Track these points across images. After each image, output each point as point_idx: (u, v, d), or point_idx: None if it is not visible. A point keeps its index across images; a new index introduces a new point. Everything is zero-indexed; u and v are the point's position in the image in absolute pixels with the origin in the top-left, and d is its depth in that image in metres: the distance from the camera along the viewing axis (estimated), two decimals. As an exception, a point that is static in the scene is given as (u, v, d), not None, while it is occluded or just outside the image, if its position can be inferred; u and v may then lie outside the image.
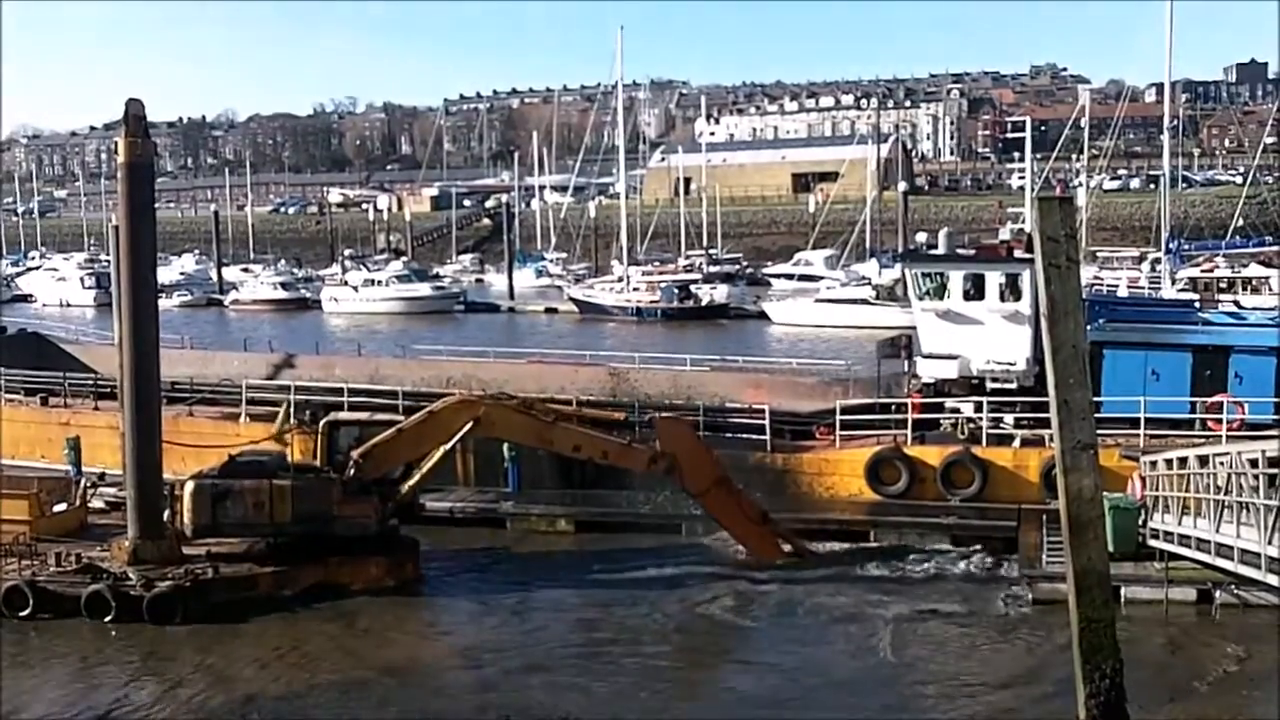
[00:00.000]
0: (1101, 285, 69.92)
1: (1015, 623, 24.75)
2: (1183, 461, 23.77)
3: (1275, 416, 29.49)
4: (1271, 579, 18.93)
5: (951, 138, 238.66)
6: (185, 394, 40.64)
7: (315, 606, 26.24)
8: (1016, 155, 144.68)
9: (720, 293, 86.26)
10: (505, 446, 32.76)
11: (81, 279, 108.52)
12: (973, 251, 37.74)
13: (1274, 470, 19.22)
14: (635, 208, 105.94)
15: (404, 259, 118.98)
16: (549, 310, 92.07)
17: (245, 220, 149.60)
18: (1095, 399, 23.41)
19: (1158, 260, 72.67)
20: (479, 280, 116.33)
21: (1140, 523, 26.01)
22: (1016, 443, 31.22)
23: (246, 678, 22.88)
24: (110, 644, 24.47)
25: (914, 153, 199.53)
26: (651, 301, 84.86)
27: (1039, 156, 78.15)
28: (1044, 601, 24.91)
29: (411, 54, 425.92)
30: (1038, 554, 26.57)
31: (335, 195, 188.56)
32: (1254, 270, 69.83)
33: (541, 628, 25.32)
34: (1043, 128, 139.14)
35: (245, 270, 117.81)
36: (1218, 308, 46.13)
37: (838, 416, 32.91)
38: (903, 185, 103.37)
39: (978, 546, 29.20)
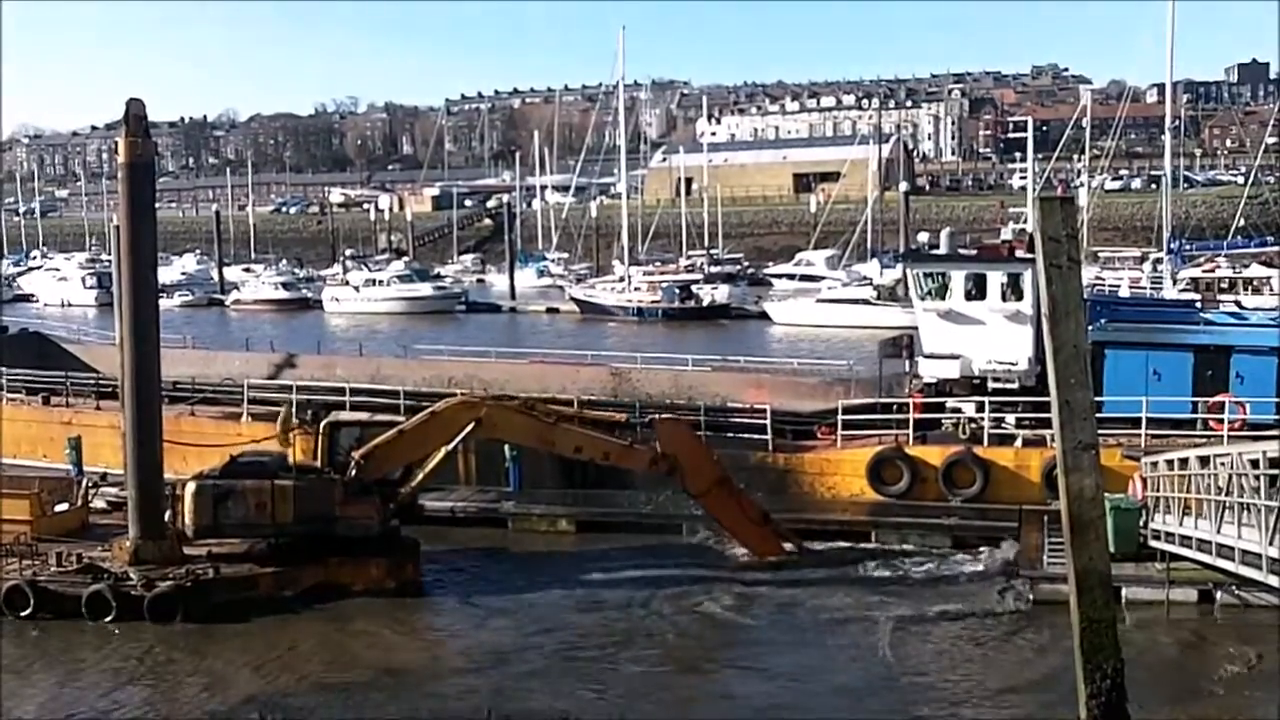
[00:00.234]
0: (1103, 285, 69.89)
1: (1016, 623, 24.75)
2: (1184, 462, 23.76)
3: (1277, 417, 29.47)
4: (1272, 580, 18.90)
5: (953, 138, 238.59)
6: (187, 393, 40.66)
7: (316, 607, 26.25)
8: (1018, 155, 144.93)
9: (721, 293, 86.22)
10: (506, 446, 32.74)
11: (83, 279, 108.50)
12: (974, 251, 37.71)
13: (1275, 471, 19.19)
14: (636, 208, 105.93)
15: (405, 259, 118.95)
16: (550, 310, 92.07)
17: (246, 220, 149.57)
18: (1097, 399, 23.40)
19: (1159, 260, 72.68)
20: (480, 280, 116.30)
21: (1141, 523, 25.99)
22: (1018, 443, 31.21)
23: (247, 678, 22.90)
24: (111, 644, 24.47)
25: (915, 153, 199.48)
26: (653, 302, 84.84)
27: (1040, 157, 78.30)
28: (1045, 602, 24.89)
29: (413, 54, 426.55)
30: (1039, 554, 26.56)
31: (336, 195, 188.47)
32: (1255, 270, 69.80)
33: (542, 628, 25.31)
34: (1044, 128, 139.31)
35: (246, 270, 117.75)
36: (1219, 308, 46.10)
37: (839, 416, 32.91)
38: (904, 185, 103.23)
39: (981, 548, 29.20)
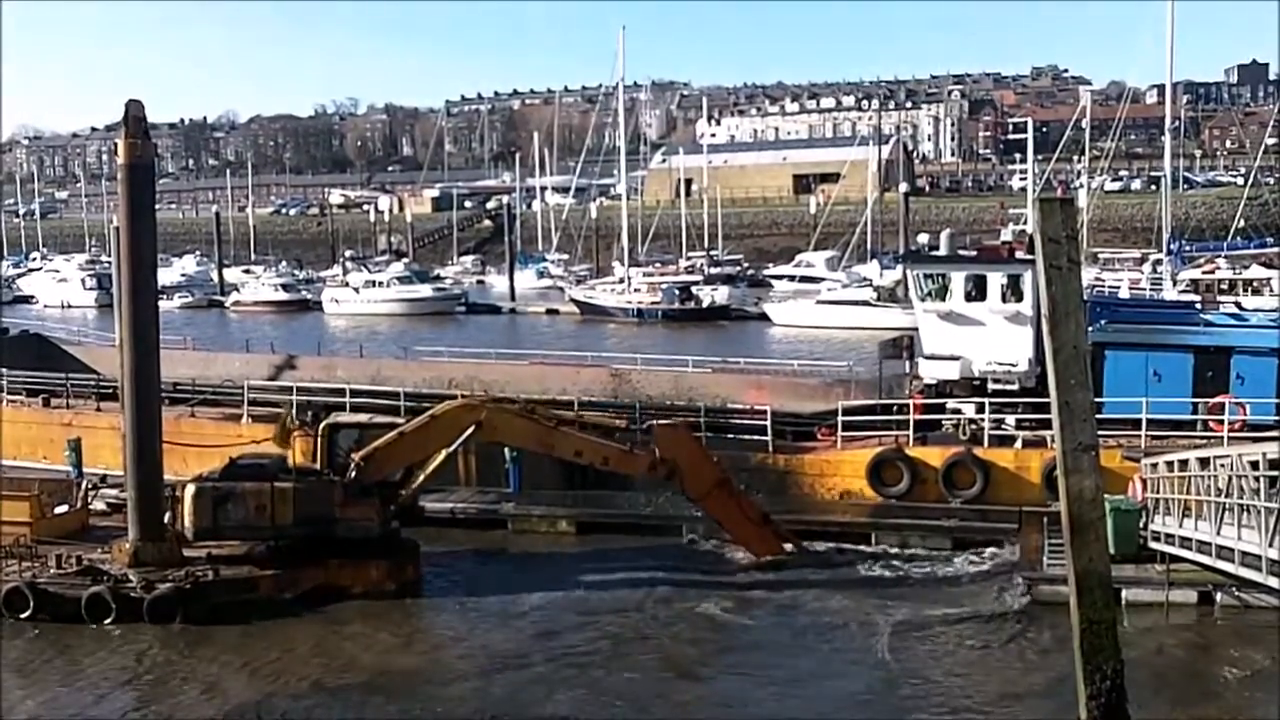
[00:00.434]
0: (1103, 287, 69.88)
1: (1016, 624, 24.72)
2: (1184, 463, 23.73)
3: (1277, 418, 29.47)
4: (1272, 581, 18.89)
5: (953, 139, 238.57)
6: (187, 395, 40.67)
7: (316, 609, 26.22)
8: (1018, 156, 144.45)
9: (721, 294, 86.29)
10: (506, 448, 32.73)
11: (83, 280, 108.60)
12: (974, 253, 37.72)
13: (1275, 473, 19.18)
14: (636, 209, 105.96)
15: (405, 260, 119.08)
16: (550, 311, 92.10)
17: (246, 221, 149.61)
18: (1097, 400, 23.40)
19: (1159, 261, 72.64)
20: (480, 281, 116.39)
21: (1141, 525, 25.97)
22: (1018, 444, 31.21)
23: (246, 680, 22.88)
24: (110, 646, 24.44)
25: (915, 154, 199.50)
26: (653, 303, 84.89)
27: (1040, 158, 78.14)
28: (1045, 603, 24.89)
29: (413, 55, 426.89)
30: (1039, 555, 26.56)
31: (336, 196, 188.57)
32: (1255, 272, 69.79)
33: (542, 630, 25.29)
34: (1044, 129, 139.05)
35: (246, 271, 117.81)
36: (1219, 309, 46.10)
37: (839, 417, 32.90)
38: (904, 186, 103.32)
39: (980, 548, 29.19)
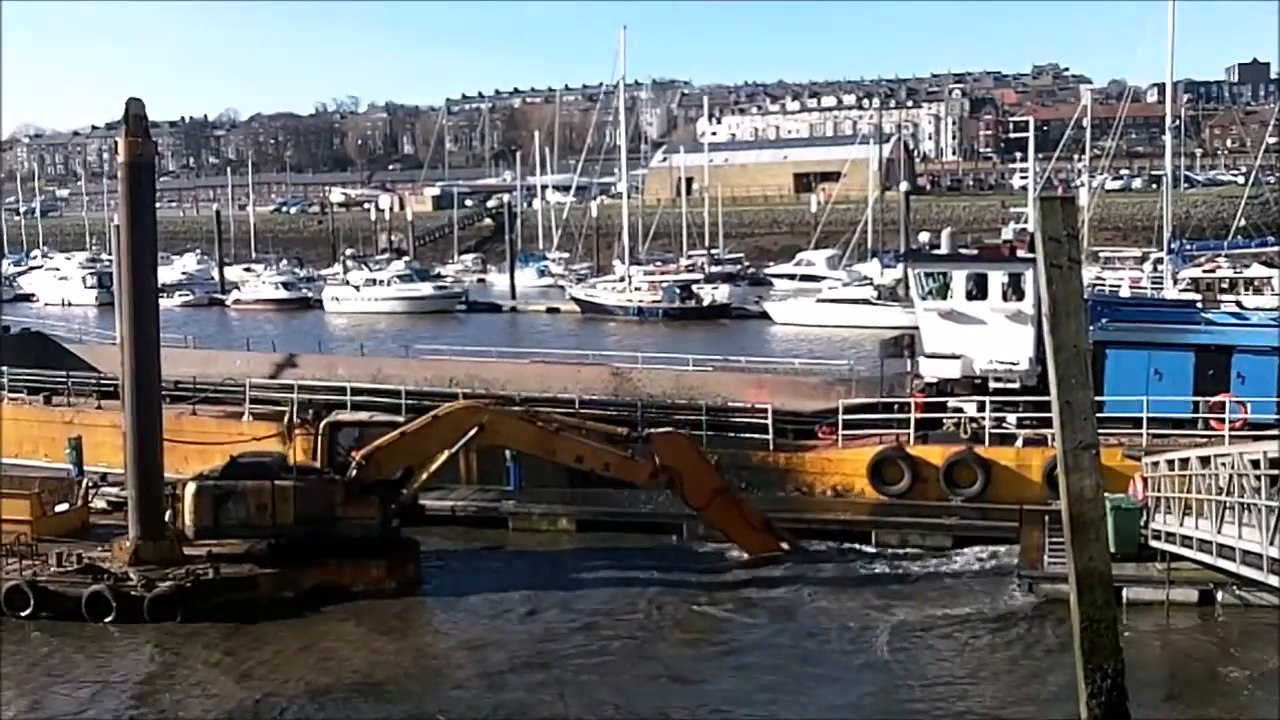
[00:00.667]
0: (1104, 285, 69.88)
1: (1017, 623, 24.72)
2: (1184, 462, 23.74)
3: (1278, 416, 29.45)
4: (1273, 580, 18.90)
5: (953, 138, 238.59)
6: (188, 393, 40.66)
7: (316, 608, 26.21)
8: (1018, 155, 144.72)
9: (722, 293, 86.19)
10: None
11: (83, 278, 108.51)
12: (975, 251, 37.70)
13: (1276, 471, 19.18)
14: (637, 207, 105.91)
15: (406, 259, 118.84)
16: (551, 310, 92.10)
17: (247, 220, 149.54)
18: (1098, 398, 23.43)
19: (1160, 260, 72.65)
20: (481, 280, 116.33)
21: (1142, 523, 25.97)
22: (1019, 442, 31.19)
23: (247, 679, 22.86)
24: (111, 644, 24.46)
25: (916, 153, 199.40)
26: (653, 301, 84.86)
27: (1041, 156, 78.10)
28: (1046, 601, 24.91)
29: (413, 53, 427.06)
30: (1040, 554, 26.54)
31: (337, 195, 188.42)
32: (1256, 270, 69.80)
33: (542, 627, 25.30)
34: (1045, 128, 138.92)
35: (247, 270, 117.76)
36: (1220, 308, 46.09)
37: (840, 416, 32.87)
38: (905, 185, 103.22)
39: (980, 546, 29.19)
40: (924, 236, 60.46)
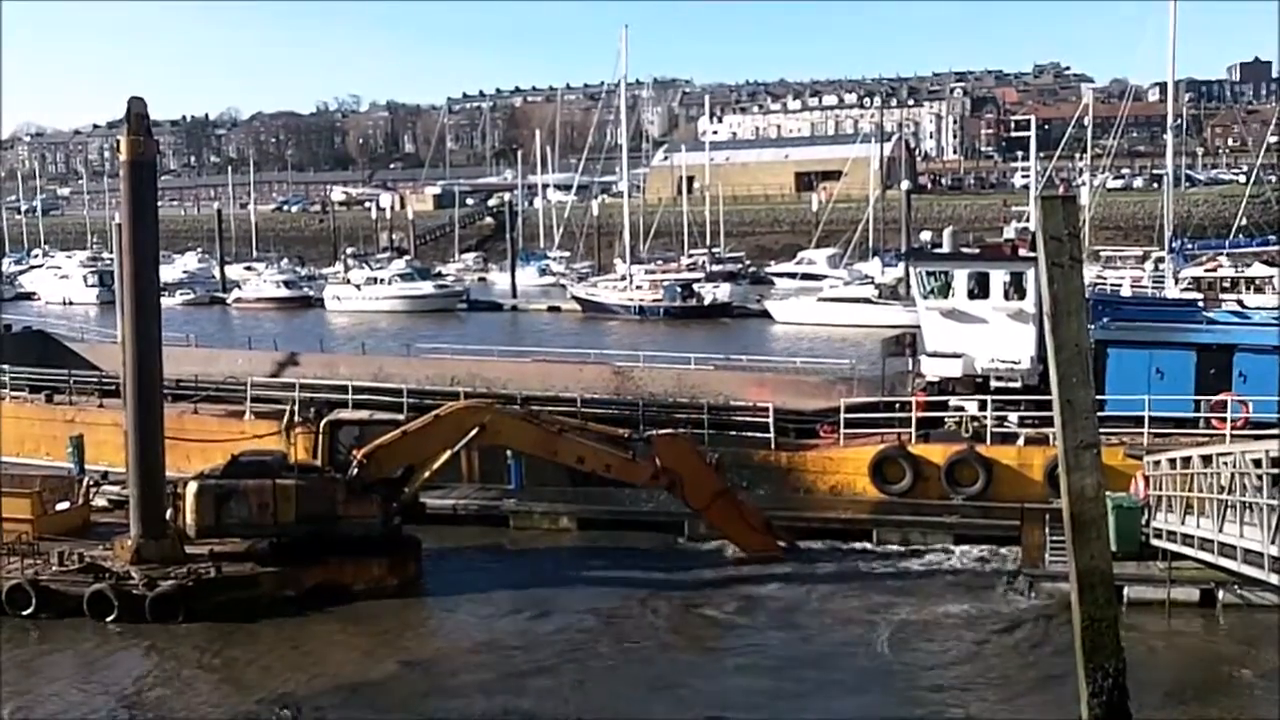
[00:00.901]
0: (1105, 284, 69.83)
1: (1018, 622, 24.71)
2: (1186, 461, 23.73)
3: (1279, 415, 29.43)
4: (1275, 579, 18.89)
5: (955, 136, 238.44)
6: (190, 391, 40.67)
7: (317, 606, 26.22)
8: (1020, 154, 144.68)
9: (723, 291, 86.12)
10: (508, 446, 32.72)
11: (84, 277, 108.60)
12: (977, 250, 37.70)
13: (1277, 470, 19.17)
14: (638, 206, 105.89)
15: (407, 257, 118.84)
16: (552, 309, 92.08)
17: (248, 218, 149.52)
18: (1099, 397, 23.40)
19: (1161, 259, 72.61)
20: (482, 279, 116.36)
21: (1143, 522, 25.96)
22: (1020, 441, 31.19)
23: (248, 678, 22.89)
24: (112, 644, 24.46)
25: (917, 151, 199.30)
26: (654, 300, 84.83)
27: (1042, 155, 77.95)
28: (1047, 600, 24.90)
29: (415, 52, 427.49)
30: (1041, 553, 26.52)
31: (338, 193, 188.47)
32: (1257, 270, 69.68)
33: (543, 626, 25.31)
34: (1046, 127, 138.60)
35: (248, 268, 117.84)
36: (1221, 307, 46.06)
37: (842, 415, 32.87)
38: (906, 184, 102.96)
39: (982, 545, 29.19)
40: (925, 235, 60.57)
